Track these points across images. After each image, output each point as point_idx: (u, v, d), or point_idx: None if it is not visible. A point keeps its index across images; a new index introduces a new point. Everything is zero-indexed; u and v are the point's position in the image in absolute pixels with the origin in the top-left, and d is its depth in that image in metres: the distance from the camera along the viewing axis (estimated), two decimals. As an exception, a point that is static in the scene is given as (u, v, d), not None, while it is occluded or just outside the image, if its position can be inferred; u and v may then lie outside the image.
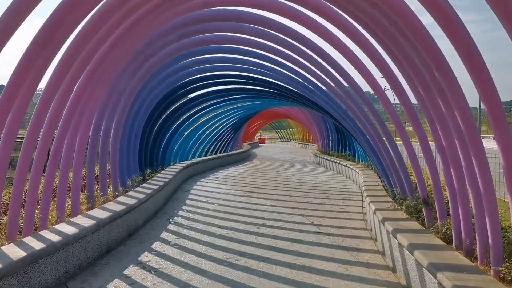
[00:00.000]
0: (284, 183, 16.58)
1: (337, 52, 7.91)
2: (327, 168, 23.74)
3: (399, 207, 8.52)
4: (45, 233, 5.89)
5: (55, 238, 5.60)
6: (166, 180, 12.12)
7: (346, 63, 8.77)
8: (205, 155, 22.29)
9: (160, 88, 11.88)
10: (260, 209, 11.16)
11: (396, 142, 8.94)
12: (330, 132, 26.90)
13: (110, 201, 8.83)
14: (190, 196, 13.05)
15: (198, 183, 16.13)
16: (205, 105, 17.19)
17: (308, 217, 10.33)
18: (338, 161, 21.35)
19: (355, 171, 17.07)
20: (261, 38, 8.91)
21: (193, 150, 20.42)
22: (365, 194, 10.35)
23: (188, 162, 18.15)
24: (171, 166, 15.93)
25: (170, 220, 9.67)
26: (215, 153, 23.99)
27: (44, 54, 5.13)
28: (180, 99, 13.86)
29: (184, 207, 11.32)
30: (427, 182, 7.98)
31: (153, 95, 11.93)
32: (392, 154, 8.65)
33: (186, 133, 18.83)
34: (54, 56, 5.31)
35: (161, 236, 8.24)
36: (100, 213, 7.23)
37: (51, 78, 5.71)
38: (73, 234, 5.88)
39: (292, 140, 58.66)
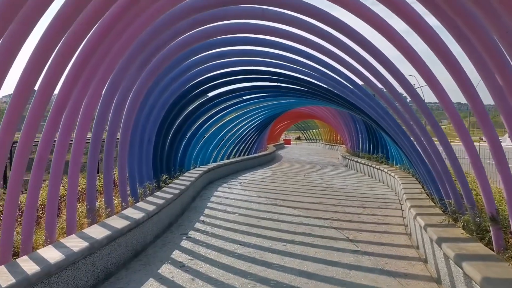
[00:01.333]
0: (312, 189, 15.26)
1: (384, 44, 6.56)
2: (357, 171, 22.27)
3: (453, 222, 7.13)
4: (22, 260, 4.79)
5: (31, 268, 4.49)
6: (183, 187, 10.99)
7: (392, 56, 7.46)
8: (228, 158, 21.15)
9: (175, 85, 10.76)
10: (287, 220, 9.89)
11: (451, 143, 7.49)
12: (360, 132, 25.39)
13: (117, 213, 7.75)
14: (209, 205, 11.89)
15: (220, 189, 14.98)
16: (226, 104, 16.03)
17: (342, 230, 9.01)
18: (369, 164, 19.88)
19: (390, 175, 15.61)
20: (286, 24, 7.65)
21: (215, 153, 19.29)
22: (408, 204, 8.97)
23: (209, 166, 17.03)
24: (190, 171, 14.83)
25: (185, 235, 8.51)
26: (239, 156, 22.84)
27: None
28: (198, 98, 12.71)
29: (202, 218, 10.16)
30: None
31: (168, 94, 10.82)
32: (447, 159, 7.23)
33: (207, 134, 17.71)
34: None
35: (171, 256, 7.07)
36: (98, 232, 6.12)
37: (23, 72, 4.61)
38: (57, 263, 4.75)
39: (318, 141, 57.15)
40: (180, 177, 13.04)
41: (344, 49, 7.83)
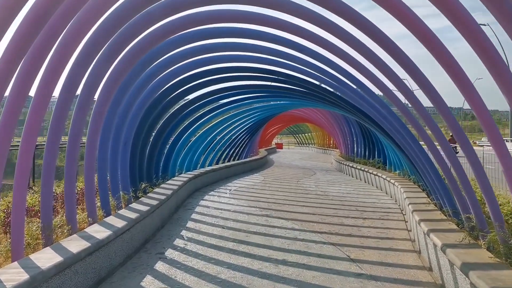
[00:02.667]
0: (306, 197, 14.17)
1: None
2: (352, 176, 21.25)
3: (474, 242, 6.08)
4: None
5: None
6: (163, 197, 9.84)
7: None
8: (217, 163, 20.01)
9: (154, 83, 9.64)
10: (279, 235, 8.78)
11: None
12: (355, 136, 24.38)
13: (82, 229, 6.60)
14: (193, 216, 10.74)
15: (206, 197, 13.83)
16: (214, 105, 14.88)
17: (341, 247, 7.92)
18: (366, 169, 18.85)
19: (389, 181, 14.57)
20: (280, 10, 6.55)
21: (203, 158, 18.13)
22: (416, 218, 7.90)
23: (196, 172, 15.88)
24: (174, 178, 13.68)
25: (161, 254, 7.36)
26: (228, 161, 21.70)
27: None
28: (182, 98, 11.57)
29: (183, 232, 9.01)
30: None
31: (147, 92, 9.69)
32: (470, 168, 6.14)
33: (194, 138, 16.56)
34: None
35: (141, 283, 5.91)
36: (47, 258, 4.96)
37: None
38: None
39: (311, 145, 56.20)
40: (162, 185, 11.89)
41: (348, 40, 6.73)
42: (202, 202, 12.75)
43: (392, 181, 13.96)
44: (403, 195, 11.02)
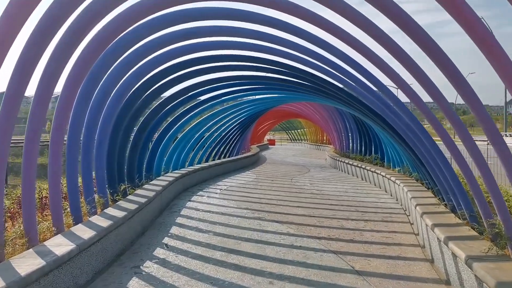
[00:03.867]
0: (301, 196, 13.24)
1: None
2: (348, 173, 20.37)
3: (503, 253, 5.19)
4: None
5: None
6: (144, 200, 8.86)
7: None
8: (206, 160, 19.01)
9: (131, 74, 8.63)
10: (273, 242, 7.85)
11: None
12: (351, 131, 23.52)
13: (44, 241, 5.62)
14: (179, 220, 9.77)
15: (194, 198, 12.85)
16: (200, 99, 13.85)
17: (344, 255, 7.01)
18: (363, 166, 17.96)
19: (389, 179, 13.70)
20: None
21: (191, 155, 17.12)
22: (428, 222, 7.00)
23: (184, 171, 14.88)
24: (159, 178, 12.68)
25: (138, 268, 6.39)
26: (219, 158, 20.72)
27: None
28: (165, 90, 10.52)
29: (166, 240, 8.04)
30: None
31: (123, 86, 8.68)
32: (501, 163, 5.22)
33: (181, 134, 15.54)
34: None
35: (110, 308, 4.96)
36: (-14, 283, 3.98)
37: None
38: None
39: (304, 141, 55.34)
40: (145, 186, 10.90)
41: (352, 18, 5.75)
42: (189, 204, 11.77)
43: (393, 178, 13.08)
44: (408, 194, 10.13)
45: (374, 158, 18.75)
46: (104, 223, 6.61)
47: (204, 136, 18.30)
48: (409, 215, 10.30)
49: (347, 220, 9.79)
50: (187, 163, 16.41)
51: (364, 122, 20.20)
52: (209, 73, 10.71)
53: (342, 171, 21.74)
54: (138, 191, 10.03)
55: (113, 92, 8.67)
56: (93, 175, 8.40)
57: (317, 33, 7.25)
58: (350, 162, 20.22)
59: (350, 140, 24.39)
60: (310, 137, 51.69)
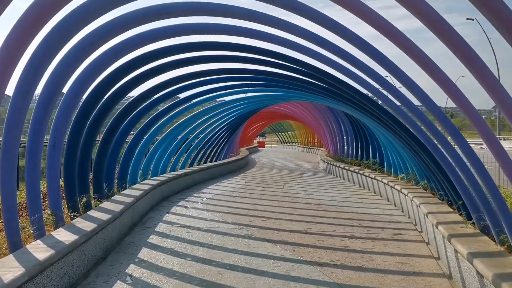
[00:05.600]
0: (296, 207, 11.73)
1: None
2: (344, 179, 18.94)
3: None
4: None
5: None
6: (107, 217, 7.27)
7: None
8: (191, 165, 17.41)
9: (95, 61, 7.07)
10: (265, 270, 6.33)
11: None
12: (346, 134, 22.11)
13: None
14: (152, 239, 8.18)
15: (174, 209, 11.26)
16: (185, 95, 12.18)
17: (355, 292, 5.51)
18: (360, 171, 16.52)
19: (392, 187, 12.27)
20: None
21: (173, 159, 15.51)
22: (463, 251, 5.53)
23: (164, 177, 13.29)
24: (134, 187, 11.08)
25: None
26: (205, 162, 19.14)
27: None
28: (134, 86, 8.90)
29: (131, 268, 6.45)
30: None
31: (84, 75, 7.11)
32: None
33: (160, 137, 13.95)
34: None
35: None
36: None
37: None
38: None
39: (294, 144, 53.98)
40: (115, 197, 9.31)
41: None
42: (167, 217, 10.19)
43: (398, 187, 11.65)
44: (421, 208, 8.67)
45: (372, 163, 17.34)
46: (44, 253, 5.03)
47: (188, 138, 16.71)
48: (421, 232, 8.88)
49: (351, 239, 8.31)
50: (169, 168, 14.80)
51: (360, 123, 18.79)
52: (189, 66, 9.11)
53: (337, 176, 20.31)
54: (105, 204, 8.44)
55: (71, 86, 7.11)
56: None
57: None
58: (346, 167, 18.79)
59: (345, 143, 23.01)
60: (301, 140, 50.34)
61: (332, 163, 21.83)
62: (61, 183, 7.94)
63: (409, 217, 10.40)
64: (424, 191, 10.64)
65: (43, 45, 5.62)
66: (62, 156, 7.92)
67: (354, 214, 10.77)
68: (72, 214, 7.40)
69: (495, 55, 46.97)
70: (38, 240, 5.73)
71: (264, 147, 52.66)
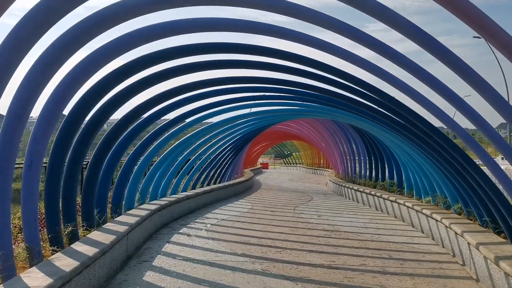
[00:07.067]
0: (312, 234, 10.41)
1: None
2: (358, 202, 17.61)
3: None
4: None
5: None
6: (94, 252, 5.99)
7: None
8: (193, 187, 16.13)
9: (77, 67, 5.91)
10: (289, 322, 5.02)
11: None
12: (358, 154, 20.87)
13: None
14: (148, 277, 6.85)
15: (175, 238, 9.94)
16: (189, 108, 10.84)
17: None
18: (377, 194, 15.22)
19: (419, 212, 10.97)
20: None
21: (174, 181, 14.23)
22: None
23: (164, 201, 12.01)
24: (130, 212, 9.81)
25: None
26: (208, 184, 17.86)
27: None
28: (133, 93, 7.68)
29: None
30: None
31: (63, 86, 5.94)
32: None
33: (159, 158, 12.70)
34: None
35: None
36: None
37: None
38: None
39: (299, 165, 52.70)
40: (107, 225, 8.03)
41: None
42: (167, 248, 8.87)
43: (427, 211, 10.35)
44: (467, 238, 7.37)
45: (389, 184, 16.06)
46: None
47: (189, 159, 15.46)
48: (465, 265, 7.56)
49: (384, 275, 6.99)
50: (169, 191, 13.53)
51: (375, 141, 17.56)
52: (196, 69, 7.89)
53: (349, 199, 18.98)
54: (93, 234, 7.16)
55: (55, 92, 5.95)
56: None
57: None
58: (360, 189, 17.48)
59: (356, 164, 21.76)
60: (305, 161, 49.08)
61: (343, 184, 20.53)
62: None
63: (443, 247, 9.09)
64: (459, 216, 9.37)
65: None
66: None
67: (380, 244, 9.44)
68: (51, 248, 6.12)
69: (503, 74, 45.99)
70: (1, 285, 4.46)
71: (268, 168, 51.37)
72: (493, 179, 6.97)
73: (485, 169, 7.10)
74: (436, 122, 7.71)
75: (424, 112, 7.01)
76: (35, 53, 5.25)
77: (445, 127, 7.13)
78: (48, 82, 5.39)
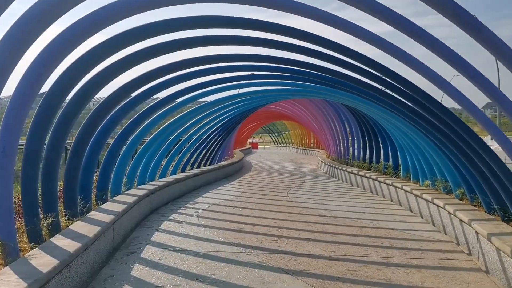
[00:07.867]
0: (308, 220, 9.96)
1: None
2: (352, 184, 17.25)
3: None
4: None
5: None
6: (77, 247, 5.44)
7: None
8: (183, 170, 15.57)
9: (54, 42, 5.26)
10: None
11: None
12: (352, 135, 20.44)
13: None
14: (136, 271, 6.33)
15: (164, 225, 9.42)
16: (174, 90, 10.29)
17: None
18: (373, 177, 14.84)
19: (418, 196, 10.58)
20: None
21: (163, 163, 13.64)
22: None
23: (153, 185, 11.44)
24: (117, 198, 9.23)
25: None
26: (198, 166, 17.31)
27: None
28: (111, 78, 7.02)
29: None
30: None
31: (45, 55, 5.29)
32: None
33: (147, 139, 12.10)
34: None
35: None
36: None
37: None
38: None
39: (289, 145, 52.32)
40: (91, 214, 7.46)
41: None
42: (156, 237, 8.35)
43: (427, 196, 9.95)
44: (474, 227, 6.97)
45: (384, 167, 15.68)
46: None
47: (180, 140, 14.87)
48: (471, 255, 7.18)
49: (389, 267, 6.56)
50: (158, 174, 12.94)
51: (370, 122, 17.08)
52: (187, 46, 7.25)
53: (343, 181, 18.61)
54: (76, 225, 6.59)
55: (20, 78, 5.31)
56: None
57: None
58: (354, 171, 17.08)
59: (349, 145, 21.37)
60: (295, 141, 48.69)
61: (336, 166, 20.14)
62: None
63: (445, 234, 8.71)
64: (462, 202, 8.98)
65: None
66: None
67: (380, 231, 9.04)
68: (30, 244, 5.55)
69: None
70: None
71: (257, 148, 50.92)
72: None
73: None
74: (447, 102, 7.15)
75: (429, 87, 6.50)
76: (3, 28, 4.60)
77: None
78: (20, 58, 4.75)
